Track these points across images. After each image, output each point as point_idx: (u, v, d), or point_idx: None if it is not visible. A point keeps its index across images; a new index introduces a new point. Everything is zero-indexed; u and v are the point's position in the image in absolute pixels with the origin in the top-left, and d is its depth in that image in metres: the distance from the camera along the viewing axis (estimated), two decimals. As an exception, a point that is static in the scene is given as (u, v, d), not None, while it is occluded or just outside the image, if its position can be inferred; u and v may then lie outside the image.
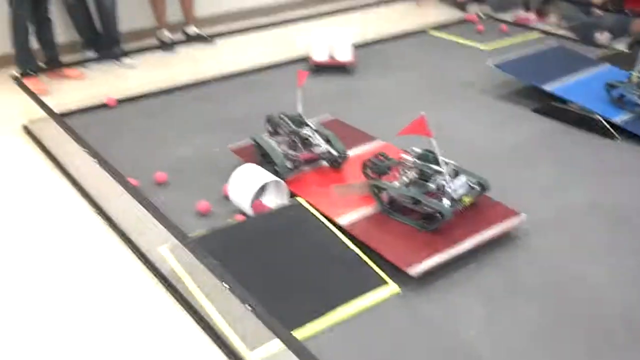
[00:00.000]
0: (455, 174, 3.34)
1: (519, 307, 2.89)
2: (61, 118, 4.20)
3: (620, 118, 4.42)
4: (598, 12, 6.46)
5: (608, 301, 2.92)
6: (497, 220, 3.30)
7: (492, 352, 2.64)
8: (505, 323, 2.80)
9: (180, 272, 2.94)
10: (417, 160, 3.36)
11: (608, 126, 4.36)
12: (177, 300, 2.92)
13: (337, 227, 3.26)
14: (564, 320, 2.81)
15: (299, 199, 3.45)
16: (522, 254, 3.23)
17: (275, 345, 2.52)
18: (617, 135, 4.33)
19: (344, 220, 3.30)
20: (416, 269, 2.95)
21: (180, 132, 4.50)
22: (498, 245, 3.27)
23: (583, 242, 3.32)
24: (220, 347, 2.65)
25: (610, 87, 4.60)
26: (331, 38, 5.56)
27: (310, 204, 3.40)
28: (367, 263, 3.06)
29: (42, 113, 4.30)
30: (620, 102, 4.55)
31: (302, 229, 3.25)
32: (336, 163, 3.78)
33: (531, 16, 7.03)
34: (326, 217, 3.31)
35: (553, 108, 4.66)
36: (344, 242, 3.16)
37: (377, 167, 3.53)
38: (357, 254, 3.10)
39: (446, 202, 3.20)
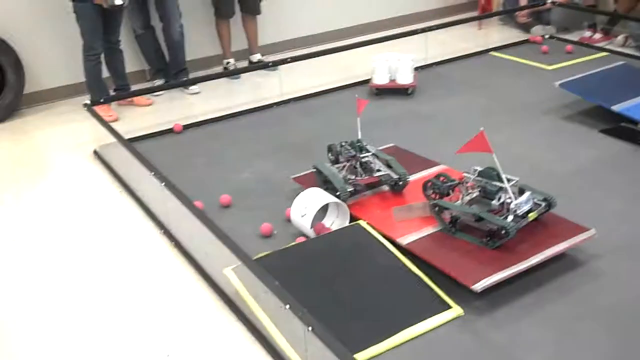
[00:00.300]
0: (520, 191, 3.29)
1: (587, 333, 2.79)
2: (129, 143, 4.35)
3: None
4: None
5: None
6: (565, 235, 3.21)
7: (561, 379, 2.56)
8: (573, 350, 2.71)
9: (244, 293, 2.98)
10: (479, 178, 3.32)
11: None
12: (241, 321, 2.96)
13: (398, 249, 3.24)
14: (634, 348, 2.70)
15: (360, 221, 3.46)
16: (591, 279, 3.12)
17: (338, 367, 2.51)
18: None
19: (406, 240, 3.28)
20: (480, 285, 2.90)
21: (244, 156, 4.59)
22: (566, 269, 3.18)
23: (656, 267, 3.20)
24: (282, 368, 2.66)
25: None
26: (392, 61, 5.58)
27: (371, 226, 3.40)
28: (429, 286, 3.03)
29: (111, 139, 4.47)
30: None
31: (363, 251, 3.24)
32: (397, 186, 3.77)
33: (597, 36, 6.87)
34: (387, 239, 3.30)
35: (622, 129, 4.53)
36: (405, 265, 3.14)
37: (438, 187, 3.50)
38: (420, 277, 3.07)
39: (510, 218, 3.15)
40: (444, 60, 6.43)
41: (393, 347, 2.73)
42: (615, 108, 4.62)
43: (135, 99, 5.67)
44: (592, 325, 2.84)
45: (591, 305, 2.96)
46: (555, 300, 2.99)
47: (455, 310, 2.92)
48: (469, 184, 3.35)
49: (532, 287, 3.07)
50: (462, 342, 2.78)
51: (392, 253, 3.21)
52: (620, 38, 6.74)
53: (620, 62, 5.53)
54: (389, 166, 3.79)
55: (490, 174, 3.30)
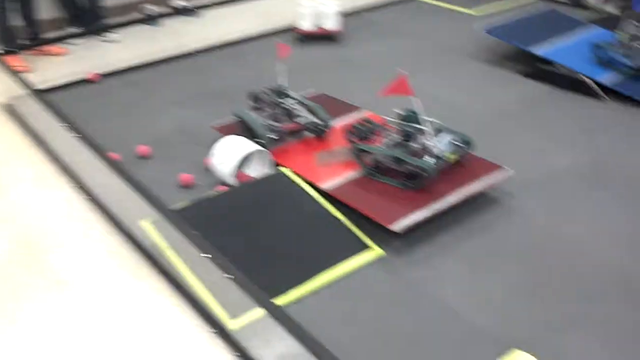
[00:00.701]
0: (439, 132, 3.32)
1: (502, 267, 2.88)
2: (43, 95, 4.15)
3: (608, 79, 4.37)
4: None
5: (587, 259, 2.91)
6: (482, 174, 3.28)
7: (474, 313, 2.63)
8: (488, 284, 2.79)
9: (162, 244, 2.92)
10: (399, 121, 3.33)
11: (596, 87, 4.31)
12: (160, 272, 2.90)
13: (321, 194, 3.23)
14: (544, 279, 2.81)
15: (282, 168, 3.42)
16: (505, 216, 3.21)
17: (257, 312, 2.51)
18: (605, 96, 4.29)
19: (328, 185, 3.28)
20: (399, 225, 2.93)
21: (164, 106, 4.45)
22: (481, 207, 3.25)
23: (566, 203, 3.30)
24: (202, 317, 2.63)
25: (598, 48, 4.55)
26: (318, 7, 5.48)
27: (295, 172, 3.37)
28: (350, 228, 3.04)
29: (24, 90, 4.25)
30: (608, 63, 4.49)
31: (285, 198, 3.22)
32: (320, 132, 3.74)
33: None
34: (310, 184, 3.29)
35: (541, 71, 4.61)
36: (327, 209, 3.14)
37: (360, 131, 3.50)
38: (340, 220, 3.08)
39: (430, 159, 3.18)
40: (371, 7, 6.37)
41: (313, 290, 2.74)
42: (536, 50, 4.69)
43: (49, 48, 5.39)
44: (504, 260, 2.93)
45: (505, 241, 3.05)
46: (472, 238, 3.07)
47: (376, 251, 2.95)
48: (390, 128, 3.35)
49: (451, 225, 3.13)
50: (382, 281, 2.82)
51: (314, 199, 3.20)
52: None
53: (547, 8, 5.60)
54: (312, 112, 3.75)
55: (411, 117, 3.31)
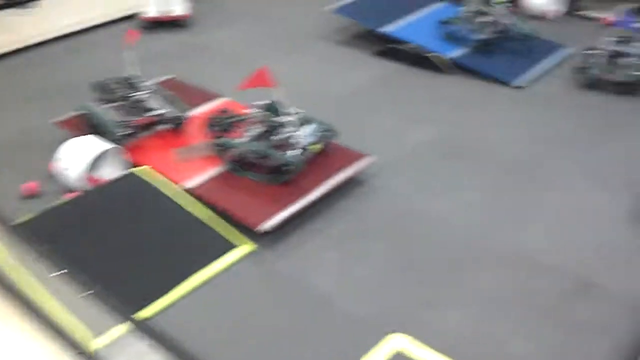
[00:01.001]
0: (303, 123, 3.26)
1: (371, 250, 2.89)
2: None
3: (455, 53, 4.51)
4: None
5: (450, 231, 2.99)
6: (346, 164, 3.27)
7: (348, 300, 2.62)
8: (358, 267, 2.79)
9: (7, 264, 2.64)
10: (263, 113, 3.23)
11: (444, 63, 4.44)
12: (7, 295, 2.63)
13: (185, 192, 3.09)
14: (413, 256, 2.85)
15: (138, 168, 3.23)
16: (370, 197, 3.23)
17: (122, 328, 2.34)
18: (450, 71, 4.42)
19: (190, 183, 3.13)
20: (266, 225, 2.85)
21: (1, 107, 4.05)
22: (348, 190, 3.25)
23: (426, 178, 3.38)
24: (61, 339, 2.41)
25: (444, 24, 4.67)
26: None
27: (153, 170, 3.19)
28: (216, 227, 2.92)
29: None
30: (454, 38, 4.63)
31: (141, 200, 3.03)
32: (177, 125, 3.57)
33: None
34: (173, 182, 3.13)
35: (391, 50, 4.68)
36: (187, 210, 2.99)
37: (221, 124, 3.36)
38: (205, 220, 2.95)
39: (295, 152, 3.12)
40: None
41: (181, 297, 2.60)
42: (384, 29, 4.75)
43: None
44: (373, 242, 2.94)
45: (372, 223, 3.06)
46: (340, 222, 3.05)
47: (246, 247, 2.86)
48: (252, 120, 3.24)
49: (319, 211, 3.11)
50: (254, 277, 2.74)
51: (173, 200, 3.03)
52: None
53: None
54: (167, 103, 3.56)
55: (274, 108, 3.22)
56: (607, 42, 4.13)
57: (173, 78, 4.18)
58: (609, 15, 5.24)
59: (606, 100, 4.08)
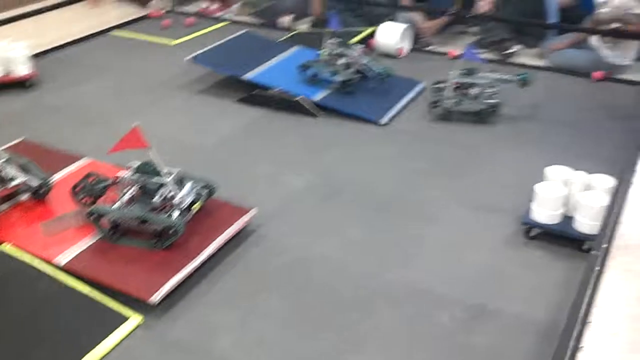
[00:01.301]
0: (181, 181, 3.14)
1: (264, 303, 2.82)
2: None
3: (319, 96, 4.60)
4: (277, -5, 6.69)
5: (341, 273, 3.00)
6: (230, 221, 3.18)
7: (249, 356, 2.54)
8: (255, 324, 2.71)
9: None
10: (136, 175, 3.08)
11: (310, 106, 4.52)
12: None
13: (57, 269, 2.85)
14: (309, 304, 2.82)
15: (2, 246, 2.94)
16: (256, 249, 3.16)
17: None
18: (317, 114, 4.51)
19: (63, 259, 2.90)
20: (157, 297, 2.70)
21: None
22: (232, 245, 3.16)
23: (309, 224, 3.37)
24: None
25: (304, 67, 4.77)
26: (4, 52, 4.89)
27: (18, 248, 2.92)
28: (100, 302, 2.72)
29: None
30: (315, 81, 4.74)
31: (13, 281, 2.76)
32: (39, 194, 3.31)
33: (214, 6, 7.02)
34: (43, 260, 2.88)
35: (256, 96, 4.69)
36: (68, 285, 2.76)
37: (90, 190, 3.16)
38: (87, 294, 2.74)
39: (175, 213, 3.00)
40: (63, 44, 5.90)
41: (73, 384, 2.39)
42: (246, 77, 4.76)
43: None
44: (267, 294, 2.87)
45: (262, 275, 3.00)
46: (231, 279, 2.96)
47: (134, 320, 2.68)
48: (126, 182, 3.07)
49: (208, 271, 3.00)
50: (146, 351, 2.57)
51: (49, 276, 2.79)
52: (237, 6, 6.99)
53: (243, 31, 5.71)
54: (25, 170, 3.30)
55: (148, 168, 3.06)
56: (452, 75, 4.40)
57: (23, 140, 3.91)
58: (455, 49, 5.64)
59: (460, 130, 4.33)
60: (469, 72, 4.41)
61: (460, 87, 4.38)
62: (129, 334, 2.63)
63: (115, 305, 2.72)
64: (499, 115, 4.42)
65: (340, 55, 4.71)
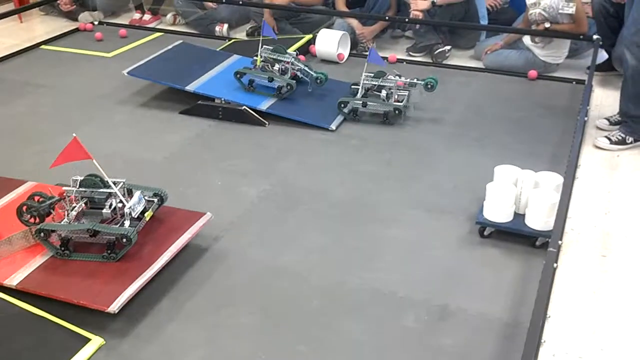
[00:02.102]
0: (129, 191, 3.06)
1: (232, 317, 2.77)
2: None
3: (265, 104, 4.56)
4: (211, 5, 6.61)
5: (306, 282, 2.98)
6: (185, 226, 3.12)
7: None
8: (226, 339, 2.65)
9: None
10: (82, 189, 2.98)
11: (255, 114, 4.49)
12: None
13: (9, 292, 2.72)
14: (277, 316, 2.78)
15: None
16: (217, 262, 3.11)
17: None
18: (264, 121, 4.48)
19: (15, 280, 2.78)
20: (116, 305, 2.61)
21: None
22: (192, 258, 3.10)
23: (269, 233, 3.34)
24: None
25: (239, 75, 4.69)
26: None
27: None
28: (57, 324, 2.61)
29: None
30: (252, 88, 4.68)
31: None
32: (-19, 219, 3.16)
33: (147, 17, 6.88)
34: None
35: (201, 107, 4.61)
36: (22, 309, 2.64)
37: (36, 209, 3.03)
38: (44, 317, 2.62)
39: (127, 223, 2.92)
40: (-10, 61, 5.67)
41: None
42: (189, 88, 4.67)
43: None
44: (233, 309, 2.82)
45: (224, 288, 2.95)
46: (194, 295, 2.89)
47: (95, 341, 2.58)
48: (71, 198, 2.97)
49: (167, 287, 2.92)
50: (113, 376, 2.48)
51: (2, 300, 2.66)
52: (169, 17, 6.87)
53: (179, 41, 5.61)
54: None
55: (93, 181, 2.98)
56: (365, 78, 4.47)
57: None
58: (395, 54, 5.73)
59: (408, 133, 4.42)
60: (377, 75, 4.51)
61: (371, 89, 4.51)
62: (91, 356, 2.53)
63: (75, 328, 2.61)
64: (406, 117, 4.52)
65: (275, 61, 4.69)
